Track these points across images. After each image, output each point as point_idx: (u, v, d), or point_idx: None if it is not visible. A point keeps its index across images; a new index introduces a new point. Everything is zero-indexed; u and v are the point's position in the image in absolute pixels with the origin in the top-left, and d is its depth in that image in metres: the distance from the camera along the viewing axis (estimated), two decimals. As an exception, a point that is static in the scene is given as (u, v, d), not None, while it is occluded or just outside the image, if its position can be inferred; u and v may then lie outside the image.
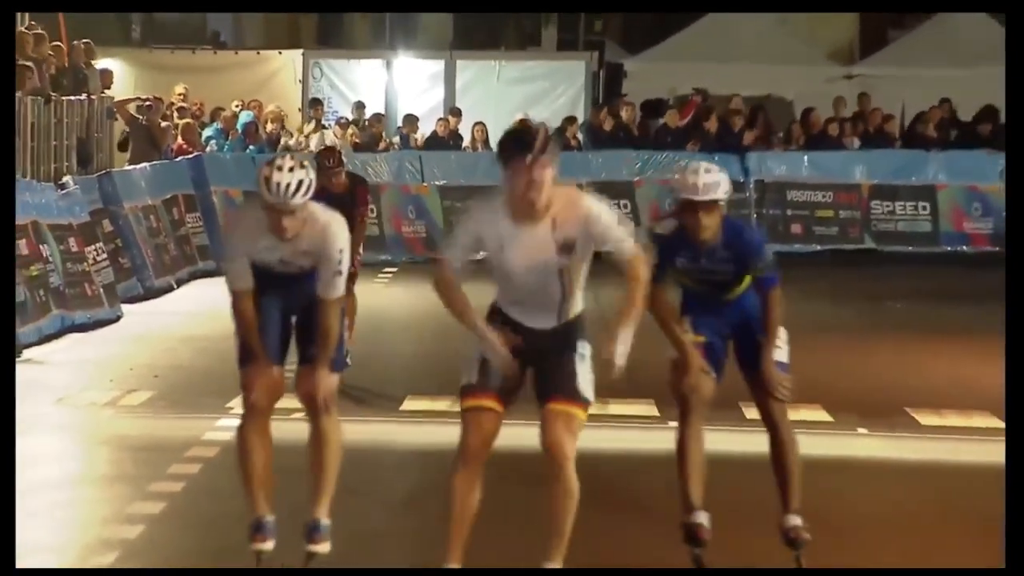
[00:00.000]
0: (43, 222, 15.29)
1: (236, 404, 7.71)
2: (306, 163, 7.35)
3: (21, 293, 14.11)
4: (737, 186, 19.45)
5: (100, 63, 22.01)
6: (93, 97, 20.51)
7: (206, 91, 24.19)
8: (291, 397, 7.64)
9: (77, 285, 15.61)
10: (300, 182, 7.18)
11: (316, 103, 24.54)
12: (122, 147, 21.38)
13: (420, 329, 15.31)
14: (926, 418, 11.59)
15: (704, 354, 7.66)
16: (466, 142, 23.88)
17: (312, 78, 25.86)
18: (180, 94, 23.41)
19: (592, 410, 7.01)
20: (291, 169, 7.19)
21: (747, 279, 7.66)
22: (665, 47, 27.28)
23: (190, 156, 21.33)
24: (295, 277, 7.48)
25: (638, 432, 10.93)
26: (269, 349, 7.52)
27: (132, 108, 21.36)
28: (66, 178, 17.24)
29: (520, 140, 6.70)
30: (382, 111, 24.88)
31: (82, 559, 7.81)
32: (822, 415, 11.41)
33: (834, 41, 29.19)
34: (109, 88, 21.62)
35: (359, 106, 24.49)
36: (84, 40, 21.06)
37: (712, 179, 7.47)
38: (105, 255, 16.73)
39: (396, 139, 23.99)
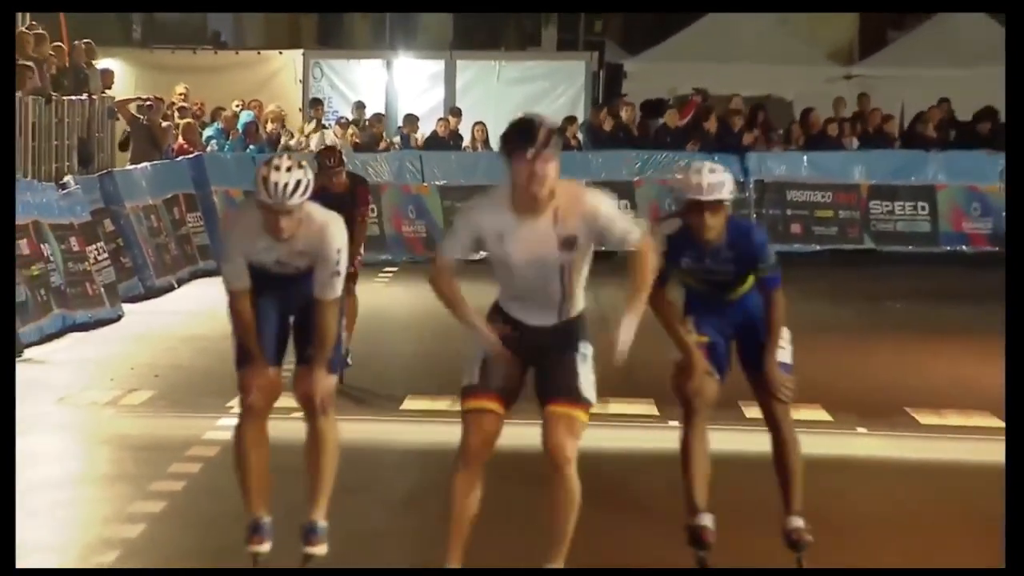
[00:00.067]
0: (44, 222, 15.29)
1: (236, 404, 7.70)
2: (304, 163, 7.32)
3: (22, 293, 14.11)
4: (737, 186, 19.39)
5: (101, 63, 22.00)
6: (94, 97, 20.50)
7: (207, 91, 24.19)
8: (289, 396, 7.64)
9: (78, 284, 15.62)
10: (298, 182, 7.16)
11: (316, 103, 24.54)
12: (123, 147, 21.38)
13: (420, 329, 15.31)
14: (926, 418, 11.60)
15: (707, 354, 7.65)
16: (466, 142, 23.87)
17: (312, 78, 25.85)
18: (181, 94, 23.42)
19: (592, 409, 6.99)
20: (289, 169, 7.17)
21: (750, 279, 7.64)
22: (665, 47, 27.26)
23: (191, 156, 21.33)
24: (292, 278, 7.46)
25: (639, 431, 10.93)
26: (266, 350, 7.51)
27: (133, 108, 21.36)
28: (67, 178, 17.24)
29: (524, 133, 6.68)
30: (382, 111, 24.87)
31: (83, 558, 7.81)
32: (822, 415, 11.41)
33: (834, 41, 29.18)
34: (110, 88, 21.61)
35: (359, 106, 24.49)
36: (85, 40, 21.05)
37: (717, 179, 7.45)
38: (106, 255, 16.73)
39: (396, 139, 23.98)
